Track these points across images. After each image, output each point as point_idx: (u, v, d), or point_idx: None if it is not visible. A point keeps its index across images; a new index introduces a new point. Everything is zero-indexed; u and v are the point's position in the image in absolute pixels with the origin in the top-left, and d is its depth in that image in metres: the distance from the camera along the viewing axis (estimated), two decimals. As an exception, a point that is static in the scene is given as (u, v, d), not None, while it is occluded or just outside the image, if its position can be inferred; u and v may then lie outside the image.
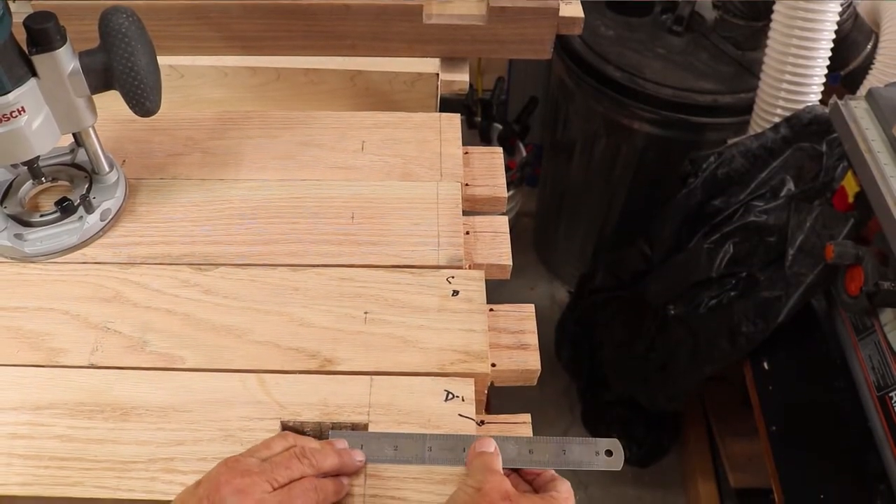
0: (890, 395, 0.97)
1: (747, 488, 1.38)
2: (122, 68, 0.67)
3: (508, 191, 1.55)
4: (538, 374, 0.69)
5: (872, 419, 1.01)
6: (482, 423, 0.65)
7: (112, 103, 0.73)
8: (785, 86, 1.25)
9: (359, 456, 0.59)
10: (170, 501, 0.54)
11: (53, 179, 0.79)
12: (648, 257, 1.41)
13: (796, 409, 1.13)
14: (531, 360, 0.68)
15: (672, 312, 1.29)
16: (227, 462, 0.55)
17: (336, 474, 0.58)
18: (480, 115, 1.81)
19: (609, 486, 1.70)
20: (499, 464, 0.57)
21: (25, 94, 0.65)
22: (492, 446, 0.57)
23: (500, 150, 0.88)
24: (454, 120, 0.90)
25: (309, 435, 0.62)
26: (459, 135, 0.88)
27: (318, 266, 0.73)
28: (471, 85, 1.01)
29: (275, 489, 0.54)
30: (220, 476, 0.53)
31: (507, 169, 1.58)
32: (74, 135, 0.75)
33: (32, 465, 0.59)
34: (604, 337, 1.58)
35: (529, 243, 2.15)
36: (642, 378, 1.44)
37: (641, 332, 1.39)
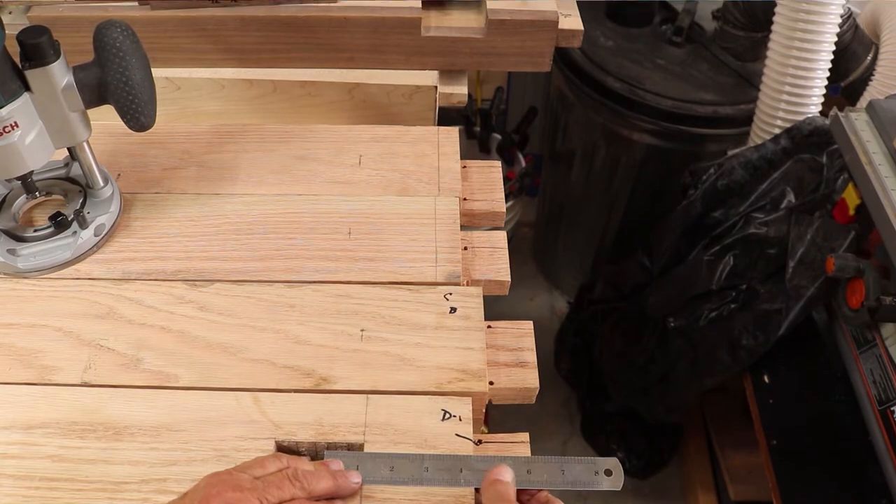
0: (891, 408, 0.96)
1: (748, 501, 1.38)
2: (116, 83, 0.66)
3: (507, 201, 1.55)
4: (536, 392, 0.68)
5: (873, 433, 1.00)
6: (479, 442, 0.64)
7: (106, 116, 0.72)
8: (785, 97, 1.24)
9: (355, 478, 0.58)
10: None
11: (47, 194, 0.79)
12: (648, 269, 1.40)
13: (797, 423, 1.12)
14: (530, 378, 0.68)
15: (672, 324, 1.29)
16: (219, 475, 0.54)
17: (330, 497, 0.57)
18: (479, 126, 1.80)
19: (609, 498, 1.68)
20: (513, 494, 0.55)
21: (18, 108, 0.65)
22: (508, 475, 0.56)
23: (498, 164, 0.88)
24: (452, 134, 0.89)
25: (304, 455, 0.62)
26: (458, 149, 0.87)
27: (314, 282, 0.72)
28: (470, 95, 1.00)
29: None
30: (210, 488, 0.52)
31: (507, 179, 1.58)
32: (69, 149, 0.75)
33: (23, 486, 0.58)
34: (603, 348, 1.57)
35: (529, 254, 2.14)
36: (642, 390, 1.43)
37: (641, 343, 1.39)
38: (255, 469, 0.56)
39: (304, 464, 0.59)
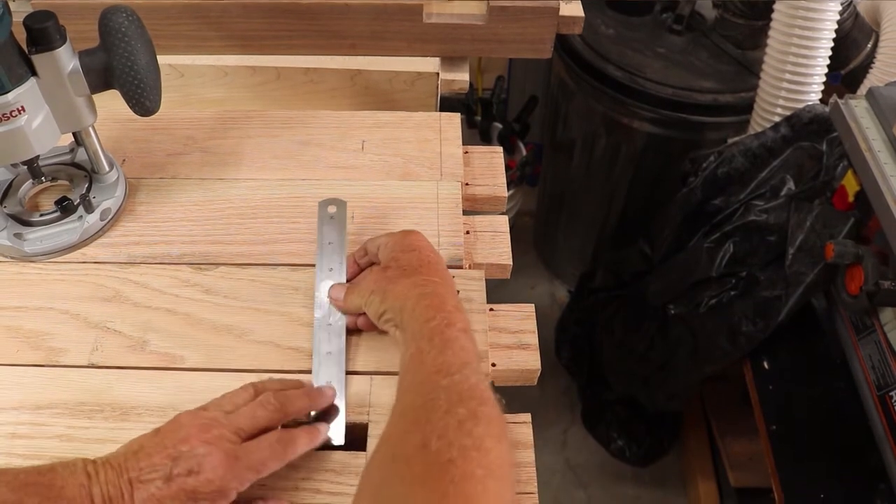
0: (890, 394, 0.97)
1: (747, 487, 1.38)
2: (121, 68, 0.67)
3: (508, 190, 1.56)
4: (538, 374, 0.68)
5: (872, 418, 1.01)
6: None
7: (112, 102, 0.73)
8: (785, 85, 1.25)
9: (329, 391, 0.61)
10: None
11: (53, 179, 0.79)
12: (648, 257, 1.41)
13: (796, 409, 1.13)
14: (531, 360, 0.68)
15: (672, 312, 1.29)
16: (192, 414, 0.55)
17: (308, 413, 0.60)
18: (480, 114, 1.81)
19: (609, 485, 1.70)
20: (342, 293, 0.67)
21: (25, 93, 0.65)
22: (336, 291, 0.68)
23: (500, 149, 0.88)
24: (454, 119, 0.90)
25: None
26: (459, 134, 0.88)
27: (318, 265, 0.73)
28: (471, 84, 1.01)
29: (242, 440, 0.54)
30: (189, 428, 0.53)
31: (507, 168, 1.58)
32: (74, 134, 0.75)
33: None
34: (604, 336, 1.58)
35: (529, 242, 2.15)
36: (642, 377, 1.44)
37: (641, 331, 1.39)
38: (226, 405, 0.57)
39: (274, 384, 0.60)
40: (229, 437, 0.53)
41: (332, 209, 0.74)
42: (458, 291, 0.70)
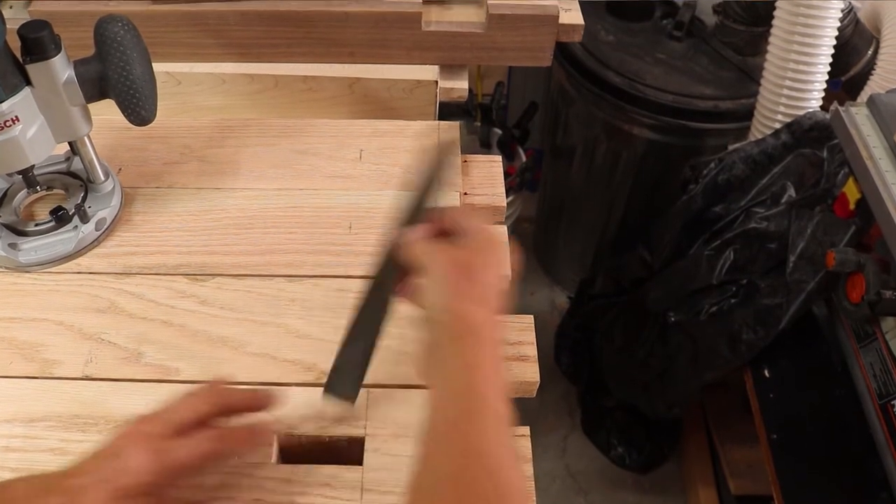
0: (892, 402, 0.96)
1: (748, 495, 1.38)
2: (117, 77, 0.67)
3: (508, 196, 1.55)
4: (537, 386, 0.68)
5: (874, 427, 1.00)
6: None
7: (108, 110, 0.72)
8: (786, 91, 1.24)
9: (276, 392, 0.58)
10: None
11: (48, 188, 0.79)
12: (649, 263, 1.40)
13: (797, 417, 1.12)
14: (530, 372, 0.68)
15: (672, 319, 1.29)
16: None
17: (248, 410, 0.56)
18: (480, 120, 1.80)
19: (609, 492, 1.69)
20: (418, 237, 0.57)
21: (20, 103, 0.65)
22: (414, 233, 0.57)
23: (499, 158, 0.88)
24: (453, 128, 0.89)
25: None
26: (458, 144, 0.87)
27: (315, 277, 0.73)
28: (470, 90, 1.00)
29: (178, 433, 0.52)
30: (118, 432, 0.52)
31: (507, 174, 1.58)
32: (70, 143, 0.75)
33: (25, 480, 0.58)
34: (604, 343, 1.57)
35: (529, 248, 2.15)
36: (642, 384, 1.43)
37: (641, 338, 1.39)
38: (165, 404, 0.54)
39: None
40: (156, 433, 0.51)
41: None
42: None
